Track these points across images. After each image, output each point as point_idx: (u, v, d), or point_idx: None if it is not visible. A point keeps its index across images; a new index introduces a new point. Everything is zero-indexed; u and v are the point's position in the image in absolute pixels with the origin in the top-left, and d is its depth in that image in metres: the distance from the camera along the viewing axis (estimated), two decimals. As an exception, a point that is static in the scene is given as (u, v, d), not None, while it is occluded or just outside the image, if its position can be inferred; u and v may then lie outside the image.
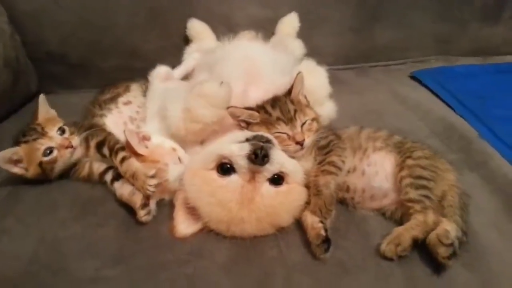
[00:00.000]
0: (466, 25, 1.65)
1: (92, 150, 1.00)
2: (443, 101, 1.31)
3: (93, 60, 1.50)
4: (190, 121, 0.91)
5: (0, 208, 0.94)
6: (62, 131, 0.99)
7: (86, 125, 1.06)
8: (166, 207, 0.93)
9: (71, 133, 1.00)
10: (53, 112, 1.05)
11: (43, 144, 0.95)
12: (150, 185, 0.87)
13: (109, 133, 1.04)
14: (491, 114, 1.19)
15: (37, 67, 1.49)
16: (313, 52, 1.38)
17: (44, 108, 1.03)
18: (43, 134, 0.97)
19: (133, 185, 0.91)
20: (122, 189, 0.92)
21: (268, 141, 0.85)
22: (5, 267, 0.80)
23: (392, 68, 1.63)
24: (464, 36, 1.67)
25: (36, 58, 1.47)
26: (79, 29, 1.43)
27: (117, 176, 0.96)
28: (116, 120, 1.13)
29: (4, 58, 1.25)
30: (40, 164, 0.95)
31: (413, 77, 1.51)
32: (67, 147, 0.97)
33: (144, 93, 1.26)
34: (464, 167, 1.00)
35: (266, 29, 1.48)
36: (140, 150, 0.93)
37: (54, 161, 0.96)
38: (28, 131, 0.98)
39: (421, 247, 0.79)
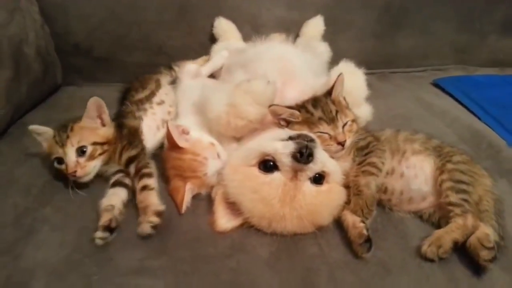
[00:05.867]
0: (485, 37, 1.69)
1: (123, 161, 0.97)
2: (467, 109, 1.33)
3: (118, 54, 1.50)
4: (234, 116, 0.91)
5: (37, 197, 0.94)
6: (81, 151, 0.93)
7: (131, 127, 1.03)
8: (204, 201, 0.94)
9: (92, 155, 0.93)
10: (96, 120, 0.99)
11: (57, 152, 0.92)
12: (151, 223, 0.83)
13: (142, 149, 1.00)
14: (516, 123, 1.21)
15: (62, 58, 1.49)
16: (336, 56, 1.40)
17: (92, 113, 0.97)
18: (62, 144, 0.92)
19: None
20: (107, 198, 0.90)
21: (312, 140, 0.86)
22: (49, 255, 0.80)
23: (412, 75, 1.65)
24: (483, 47, 1.70)
25: (62, 50, 1.47)
26: (106, 22, 1.44)
27: (117, 183, 0.95)
28: (150, 124, 1.09)
29: (36, 47, 1.25)
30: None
31: (434, 85, 1.53)
32: (70, 175, 0.92)
33: (172, 83, 1.26)
34: (494, 174, 1.01)
35: (291, 31, 1.49)
36: (181, 143, 0.93)
37: (62, 172, 0.93)
38: (62, 128, 0.95)
39: (458, 250, 0.80)
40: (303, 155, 0.81)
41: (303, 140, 0.84)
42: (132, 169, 0.96)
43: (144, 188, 0.91)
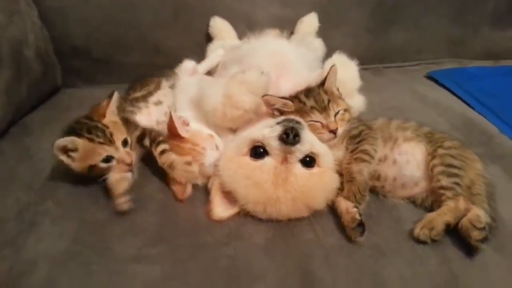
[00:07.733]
0: (478, 29, 1.70)
1: (133, 144, 0.99)
2: (461, 99, 1.35)
3: (116, 55, 1.52)
4: (230, 107, 0.94)
5: (39, 192, 0.96)
6: (125, 142, 0.96)
7: (121, 117, 1.04)
8: (200, 192, 0.96)
9: (131, 144, 0.97)
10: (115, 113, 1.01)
11: (107, 151, 0.91)
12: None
13: (144, 128, 1.03)
14: (509, 112, 1.23)
15: (61, 61, 1.51)
16: (331, 51, 1.41)
17: (114, 107, 0.99)
18: (111, 141, 0.92)
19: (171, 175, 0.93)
20: (112, 176, 0.92)
21: (298, 122, 0.88)
22: (49, 246, 0.82)
23: (406, 69, 1.67)
24: (476, 39, 1.72)
25: (61, 52, 1.49)
26: (104, 25, 1.46)
27: None
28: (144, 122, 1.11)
29: (35, 49, 1.28)
30: (92, 166, 0.92)
31: (429, 78, 1.54)
32: (127, 165, 0.94)
33: (172, 86, 1.28)
34: (487, 160, 1.03)
35: (286, 28, 1.51)
36: (183, 132, 0.96)
37: (108, 169, 0.93)
38: (95, 130, 0.92)
39: (451, 233, 0.82)
40: (289, 136, 0.83)
41: (288, 122, 0.87)
42: (146, 141, 0.99)
43: (163, 152, 0.95)
